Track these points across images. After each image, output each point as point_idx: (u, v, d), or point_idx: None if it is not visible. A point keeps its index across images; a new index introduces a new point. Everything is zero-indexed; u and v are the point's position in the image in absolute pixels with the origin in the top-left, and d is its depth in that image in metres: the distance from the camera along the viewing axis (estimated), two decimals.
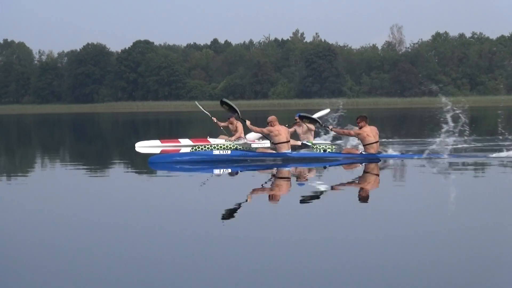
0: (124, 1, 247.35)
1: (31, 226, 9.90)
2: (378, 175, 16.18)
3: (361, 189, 13.90)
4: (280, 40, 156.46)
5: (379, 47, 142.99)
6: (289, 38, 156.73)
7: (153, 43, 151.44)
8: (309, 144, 21.93)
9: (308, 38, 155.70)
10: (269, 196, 12.90)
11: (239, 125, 23.97)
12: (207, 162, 18.23)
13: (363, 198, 12.54)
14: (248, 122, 19.53)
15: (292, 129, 22.42)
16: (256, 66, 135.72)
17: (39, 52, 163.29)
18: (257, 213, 10.88)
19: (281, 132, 18.83)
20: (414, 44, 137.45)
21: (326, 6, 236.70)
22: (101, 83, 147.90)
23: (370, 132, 18.46)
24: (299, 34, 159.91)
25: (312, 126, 22.95)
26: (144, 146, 24.13)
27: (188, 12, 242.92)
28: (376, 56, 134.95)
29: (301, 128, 23.10)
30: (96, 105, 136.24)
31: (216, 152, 18.51)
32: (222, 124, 24.50)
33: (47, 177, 17.20)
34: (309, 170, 17.47)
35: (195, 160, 18.37)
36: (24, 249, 8.50)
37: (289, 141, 19.06)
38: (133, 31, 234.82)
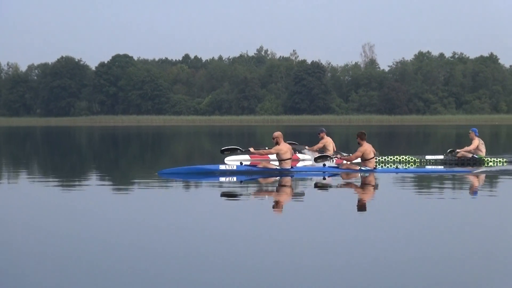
0: (96, 16, 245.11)
1: None
2: (374, 186, 16.64)
3: (359, 198, 14.44)
4: (245, 56, 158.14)
5: (361, 65, 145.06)
6: (254, 55, 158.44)
7: (132, 57, 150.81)
8: (478, 157, 22.94)
9: (277, 55, 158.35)
10: (272, 204, 13.36)
11: (329, 140, 23.96)
12: (214, 174, 18.86)
13: (360, 206, 12.98)
14: (251, 149, 19.90)
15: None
16: (243, 82, 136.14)
17: (8, 64, 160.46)
18: (260, 220, 11.29)
19: (287, 149, 19.20)
20: (397, 62, 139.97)
21: (287, 23, 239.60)
22: (77, 97, 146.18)
23: (369, 148, 19.33)
24: (263, 51, 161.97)
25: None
26: (233, 160, 23.28)
27: (158, 28, 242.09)
28: (364, 73, 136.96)
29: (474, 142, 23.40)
30: (75, 119, 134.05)
31: (222, 167, 19.07)
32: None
33: (9, 189, 16.80)
34: (310, 180, 17.93)
35: (202, 171, 18.94)
36: None
37: (291, 158, 19.42)
38: (105, 45, 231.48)
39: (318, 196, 14.94)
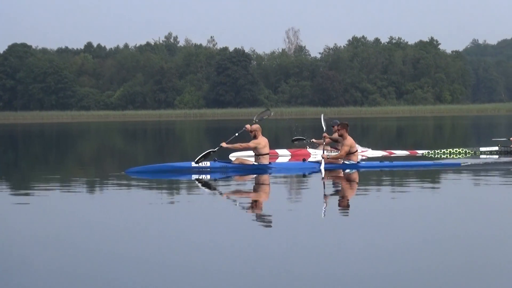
0: None
1: None
2: (357, 183, 16.25)
3: (341, 197, 13.89)
4: (156, 43, 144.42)
5: (289, 52, 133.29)
6: (162, 42, 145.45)
7: (31, 46, 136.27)
8: None
9: (182, 42, 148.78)
10: (251, 203, 12.83)
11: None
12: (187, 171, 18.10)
13: (343, 206, 12.50)
14: (223, 144, 18.48)
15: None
16: (158, 72, 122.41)
17: None
18: (239, 221, 10.76)
19: (266, 143, 18.46)
20: (329, 49, 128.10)
21: (200, 7, 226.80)
22: None
23: (353, 141, 18.78)
24: (172, 38, 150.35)
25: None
26: (238, 156, 21.74)
27: (56, 13, 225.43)
28: (293, 62, 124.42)
29: None
30: None
31: (194, 164, 18.12)
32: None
33: None
34: (289, 178, 17.48)
35: (173, 169, 18.06)
36: None
37: (269, 153, 18.72)
38: None
39: (299, 195, 14.34)
